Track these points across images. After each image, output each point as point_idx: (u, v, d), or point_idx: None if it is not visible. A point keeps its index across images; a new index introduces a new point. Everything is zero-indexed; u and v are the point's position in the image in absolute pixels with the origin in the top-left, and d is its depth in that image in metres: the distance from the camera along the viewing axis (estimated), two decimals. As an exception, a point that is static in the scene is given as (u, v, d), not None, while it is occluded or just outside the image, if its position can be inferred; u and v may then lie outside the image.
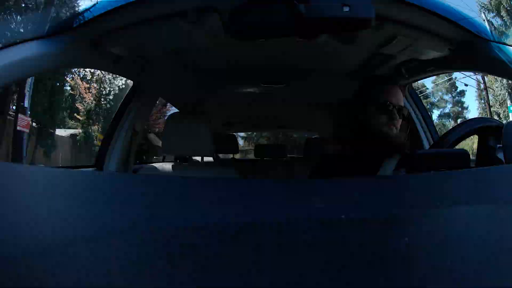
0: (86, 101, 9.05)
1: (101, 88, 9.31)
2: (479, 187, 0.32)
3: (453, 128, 0.69)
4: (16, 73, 0.83)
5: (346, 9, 0.55)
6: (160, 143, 1.36)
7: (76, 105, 9.15)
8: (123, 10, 0.89)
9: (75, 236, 0.21)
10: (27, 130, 5.77)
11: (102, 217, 0.23)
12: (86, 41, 0.95)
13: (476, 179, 0.35)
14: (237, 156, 3.53)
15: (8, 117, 6.11)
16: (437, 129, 1.62)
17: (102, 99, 9.29)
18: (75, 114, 9.22)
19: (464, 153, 0.57)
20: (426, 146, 1.52)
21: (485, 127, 0.69)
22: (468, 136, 0.68)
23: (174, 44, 1.15)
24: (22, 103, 5.65)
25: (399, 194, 0.31)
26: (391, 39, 1.02)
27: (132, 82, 1.48)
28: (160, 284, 0.16)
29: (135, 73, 1.32)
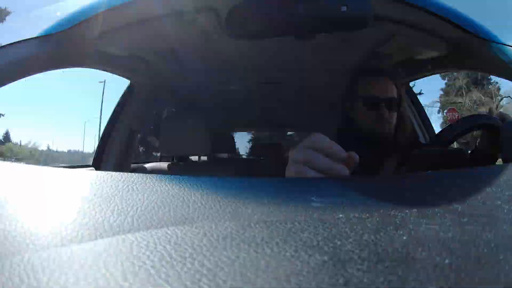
0: None
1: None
2: (477, 187, 0.32)
3: (451, 125, 0.69)
4: (12, 74, 0.82)
5: (343, 8, 0.55)
6: (157, 143, 1.35)
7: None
8: (119, 10, 0.88)
9: (72, 235, 0.20)
10: None
11: (100, 216, 0.23)
12: (82, 40, 0.94)
13: (474, 178, 0.35)
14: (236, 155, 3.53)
15: None
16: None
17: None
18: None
19: (462, 152, 0.57)
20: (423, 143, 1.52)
21: (484, 125, 0.69)
22: (466, 133, 0.68)
23: (171, 43, 1.15)
24: None
25: (398, 193, 0.31)
26: (388, 38, 1.01)
27: (129, 81, 1.48)
28: (159, 285, 0.16)
29: (132, 72, 1.32)
